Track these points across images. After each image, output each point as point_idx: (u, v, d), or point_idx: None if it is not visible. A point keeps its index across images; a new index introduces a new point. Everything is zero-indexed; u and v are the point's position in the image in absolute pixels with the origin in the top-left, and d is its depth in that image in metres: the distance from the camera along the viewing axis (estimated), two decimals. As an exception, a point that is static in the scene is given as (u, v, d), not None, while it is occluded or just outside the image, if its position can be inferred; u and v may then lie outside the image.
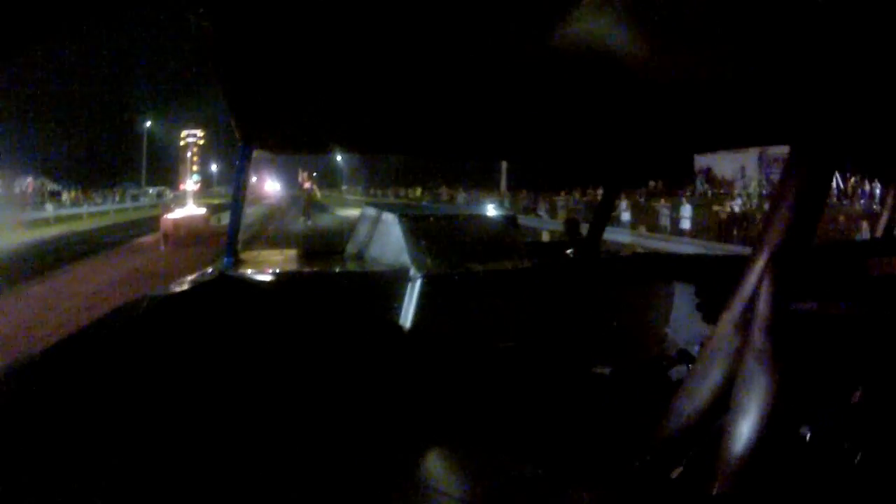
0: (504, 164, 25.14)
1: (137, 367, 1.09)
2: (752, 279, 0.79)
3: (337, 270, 2.02)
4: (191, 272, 1.87)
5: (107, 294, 7.19)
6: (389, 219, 1.95)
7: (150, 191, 36.24)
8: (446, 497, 0.94)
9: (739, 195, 19.00)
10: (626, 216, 17.42)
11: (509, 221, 2.30)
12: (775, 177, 18.80)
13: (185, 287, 1.54)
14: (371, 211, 2.14)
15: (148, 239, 13.69)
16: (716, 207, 17.00)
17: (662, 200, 18.15)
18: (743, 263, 0.81)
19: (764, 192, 18.97)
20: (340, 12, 0.88)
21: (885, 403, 0.82)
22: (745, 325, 0.78)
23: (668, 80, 1.13)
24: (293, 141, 1.99)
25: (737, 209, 16.39)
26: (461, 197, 30.40)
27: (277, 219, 20.81)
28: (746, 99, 1.23)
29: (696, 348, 1.60)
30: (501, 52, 1.04)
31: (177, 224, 12.19)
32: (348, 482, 0.91)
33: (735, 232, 14.43)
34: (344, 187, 54.27)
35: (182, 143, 22.23)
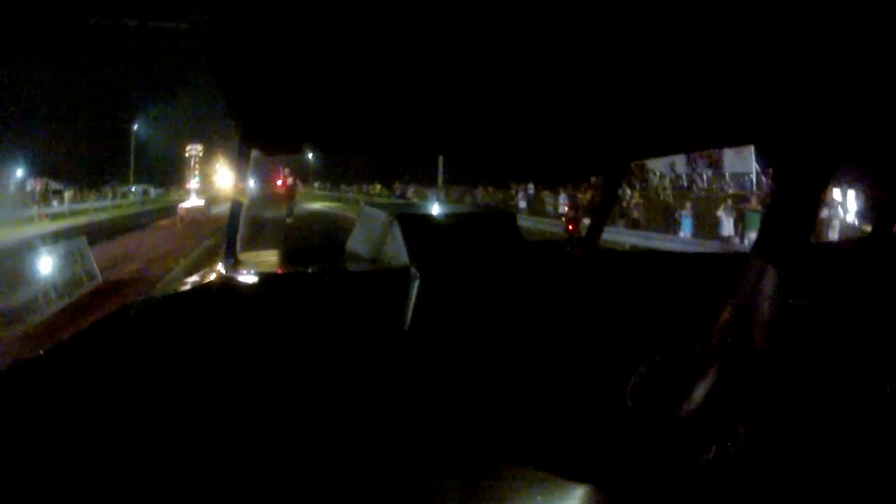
0: (441, 161, 28.51)
1: (140, 370, 1.11)
2: (750, 277, 0.78)
3: (336, 271, 2.04)
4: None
5: (164, 242, 12.83)
6: (389, 218, 1.97)
7: (133, 189, 40.71)
8: (446, 496, 1.01)
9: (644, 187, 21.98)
10: (522, 204, 23.46)
11: (508, 220, 2.30)
12: (703, 171, 20.47)
13: (187, 288, 1.56)
14: (370, 211, 2.15)
15: (162, 222, 19.01)
16: (584, 197, 22.00)
17: (547, 192, 23.62)
18: (741, 262, 0.80)
19: (682, 185, 20.88)
20: (335, 7, 0.87)
21: (884, 402, 0.79)
22: (743, 323, 0.77)
23: (662, 76, 1.10)
24: (292, 141, 1.95)
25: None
26: (411, 190, 34.97)
27: (253, 211, 25.70)
28: (743, 97, 1.21)
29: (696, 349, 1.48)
30: (502, 48, 0.99)
31: (188, 210, 18.68)
32: (349, 482, 0.96)
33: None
34: (316, 184, 58.22)
35: (186, 154, 28.65)
